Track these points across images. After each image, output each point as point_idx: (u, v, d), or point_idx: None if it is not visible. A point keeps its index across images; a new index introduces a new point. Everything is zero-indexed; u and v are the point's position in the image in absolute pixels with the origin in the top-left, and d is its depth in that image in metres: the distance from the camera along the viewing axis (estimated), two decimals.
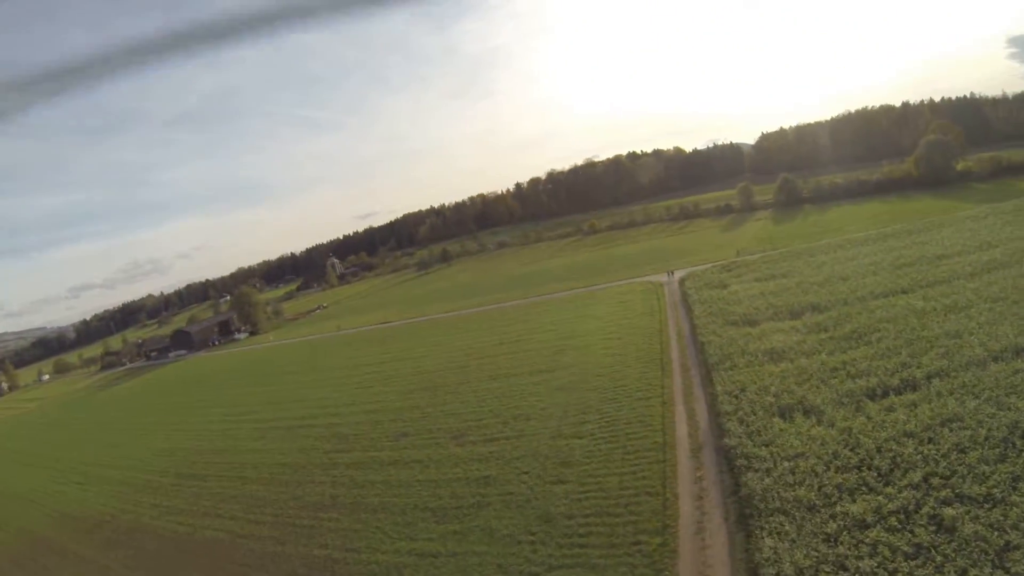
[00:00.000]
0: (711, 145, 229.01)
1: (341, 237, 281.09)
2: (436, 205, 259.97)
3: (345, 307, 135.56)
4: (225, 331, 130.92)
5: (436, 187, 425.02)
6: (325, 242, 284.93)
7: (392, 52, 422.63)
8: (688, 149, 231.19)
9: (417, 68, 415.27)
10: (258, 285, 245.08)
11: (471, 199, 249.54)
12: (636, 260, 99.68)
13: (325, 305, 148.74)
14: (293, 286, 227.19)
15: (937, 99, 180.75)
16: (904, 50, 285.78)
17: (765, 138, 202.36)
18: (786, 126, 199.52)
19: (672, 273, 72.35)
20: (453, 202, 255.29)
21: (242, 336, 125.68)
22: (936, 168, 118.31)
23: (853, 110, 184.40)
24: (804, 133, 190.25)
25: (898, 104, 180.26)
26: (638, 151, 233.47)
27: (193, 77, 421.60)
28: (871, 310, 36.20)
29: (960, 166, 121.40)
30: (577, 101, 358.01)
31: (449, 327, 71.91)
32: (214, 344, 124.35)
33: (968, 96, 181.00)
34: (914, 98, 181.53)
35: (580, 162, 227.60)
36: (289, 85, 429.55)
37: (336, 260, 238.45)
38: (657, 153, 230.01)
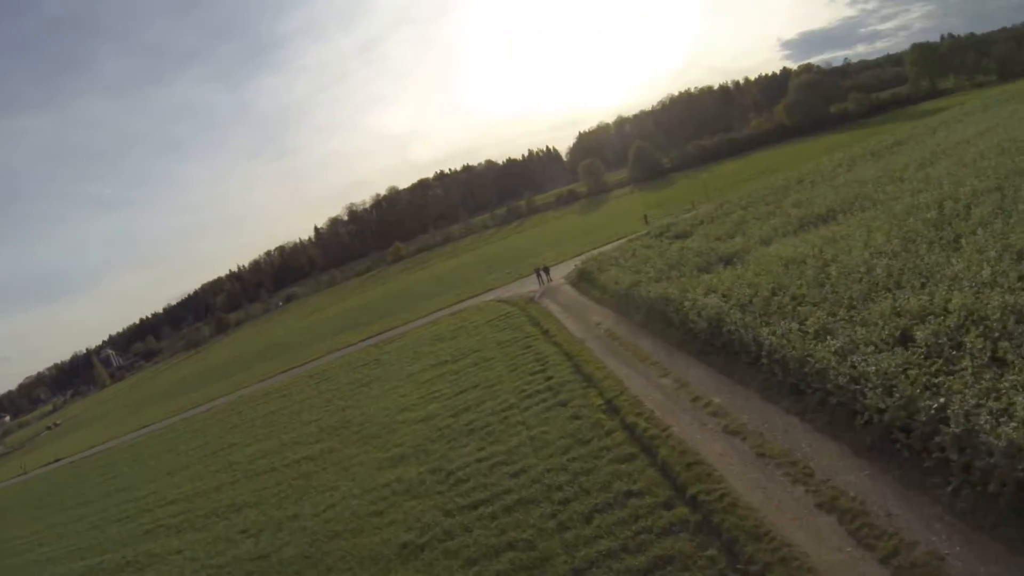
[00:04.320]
0: (525, 154, 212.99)
1: (137, 322, 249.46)
2: (234, 269, 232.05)
3: (84, 419, 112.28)
4: None
5: (249, 252, 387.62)
6: (116, 332, 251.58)
7: (181, 117, 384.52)
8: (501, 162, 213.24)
9: (210, 132, 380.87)
10: (44, 396, 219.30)
11: (267, 254, 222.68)
12: (462, 275, 66.83)
13: (58, 423, 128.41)
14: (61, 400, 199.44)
15: (754, 77, 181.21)
16: (692, 47, 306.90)
17: (584, 136, 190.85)
18: (605, 122, 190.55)
19: (547, 272, 38.50)
20: (249, 262, 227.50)
21: None
22: (812, 111, 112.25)
23: (676, 94, 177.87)
24: (625, 124, 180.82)
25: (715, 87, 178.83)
26: (446, 170, 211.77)
27: None
28: None
29: (833, 108, 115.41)
30: (375, 144, 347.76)
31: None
32: None
33: (779, 72, 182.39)
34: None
35: (383, 192, 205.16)
36: (71, 160, 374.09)
37: (111, 352, 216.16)
38: (468, 169, 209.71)
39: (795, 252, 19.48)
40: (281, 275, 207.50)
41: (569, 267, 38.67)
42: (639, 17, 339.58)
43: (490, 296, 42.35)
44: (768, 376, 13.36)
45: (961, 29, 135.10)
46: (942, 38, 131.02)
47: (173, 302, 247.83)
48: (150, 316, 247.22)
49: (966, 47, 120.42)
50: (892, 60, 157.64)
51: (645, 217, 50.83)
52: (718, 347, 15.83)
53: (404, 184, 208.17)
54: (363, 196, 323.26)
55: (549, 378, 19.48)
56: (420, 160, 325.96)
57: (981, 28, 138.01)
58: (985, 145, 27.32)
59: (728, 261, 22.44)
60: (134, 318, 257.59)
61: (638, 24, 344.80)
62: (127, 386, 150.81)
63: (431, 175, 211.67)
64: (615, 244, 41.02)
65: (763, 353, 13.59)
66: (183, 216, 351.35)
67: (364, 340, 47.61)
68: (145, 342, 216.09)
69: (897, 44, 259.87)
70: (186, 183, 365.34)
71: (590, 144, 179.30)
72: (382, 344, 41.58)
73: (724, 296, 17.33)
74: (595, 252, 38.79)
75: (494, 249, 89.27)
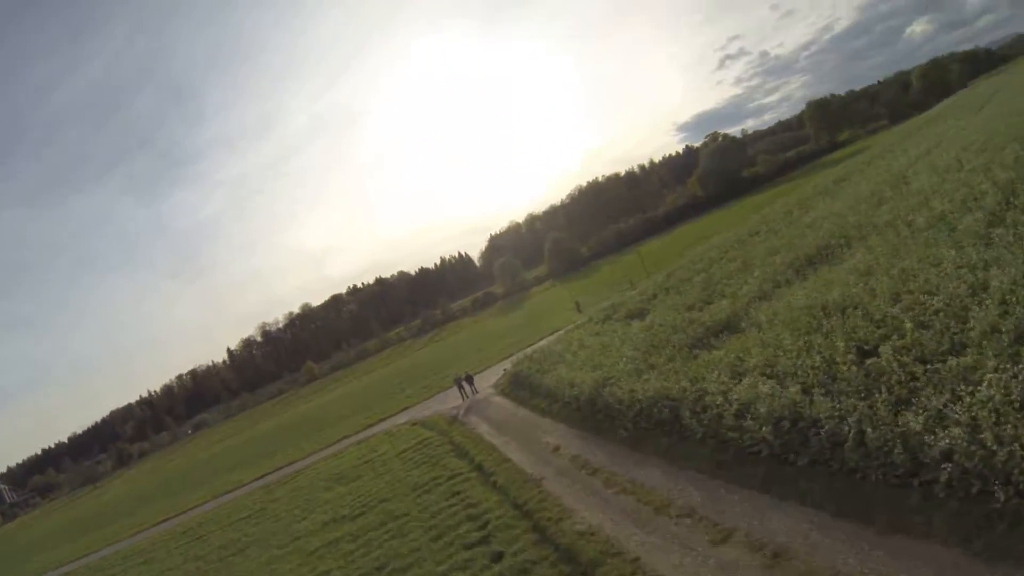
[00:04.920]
0: (438, 262, 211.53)
1: (38, 452, 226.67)
2: (144, 394, 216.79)
3: None
4: None
5: (161, 377, 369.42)
6: (15, 464, 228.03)
7: (94, 232, 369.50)
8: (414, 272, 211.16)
9: (124, 247, 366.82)
10: None
11: (180, 378, 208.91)
12: (376, 392, 59.21)
13: None
14: None
15: (657, 159, 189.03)
16: (593, 140, 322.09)
17: (496, 238, 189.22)
18: (515, 221, 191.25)
19: (470, 381, 31.09)
20: (161, 387, 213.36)
21: None
22: (726, 177, 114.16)
23: (584, 185, 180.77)
24: (536, 221, 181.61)
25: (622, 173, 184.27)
26: (359, 284, 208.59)
27: None
28: None
29: (746, 172, 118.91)
30: (291, 261, 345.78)
31: None
32: None
33: (683, 151, 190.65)
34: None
35: (297, 310, 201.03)
36: None
37: (4, 488, 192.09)
38: (381, 282, 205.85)
39: (828, 298, 13.29)
40: (193, 400, 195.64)
41: (498, 372, 31.92)
42: (540, 117, 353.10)
43: (405, 417, 35.11)
44: (967, 515, 6.49)
45: (838, 91, 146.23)
46: (810, 104, 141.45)
47: (79, 431, 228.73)
48: (52, 446, 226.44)
49: (857, 99, 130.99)
50: (784, 127, 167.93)
51: (577, 304, 44.80)
52: (806, 468, 8.76)
53: (319, 300, 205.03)
54: (277, 314, 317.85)
55: (499, 556, 11.67)
56: (335, 275, 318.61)
57: (856, 87, 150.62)
58: (951, 155, 25.02)
59: (731, 328, 15.84)
60: (36, 448, 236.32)
61: (539, 124, 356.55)
62: (12, 529, 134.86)
63: (344, 290, 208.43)
64: (549, 339, 34.51)
65: (945, 470, 6.73)
66: (91, 338, 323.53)
67: (257, 479, 40.18)
68: (44, 475, 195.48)
69: (782, 113, 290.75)
70: (97, 302, 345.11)
71: (503, 245, 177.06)
72: (274, 486, 33.77)
73: (768, 375, 10.56)
74: (528, 350, 31.86)
75: (410, 361, 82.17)
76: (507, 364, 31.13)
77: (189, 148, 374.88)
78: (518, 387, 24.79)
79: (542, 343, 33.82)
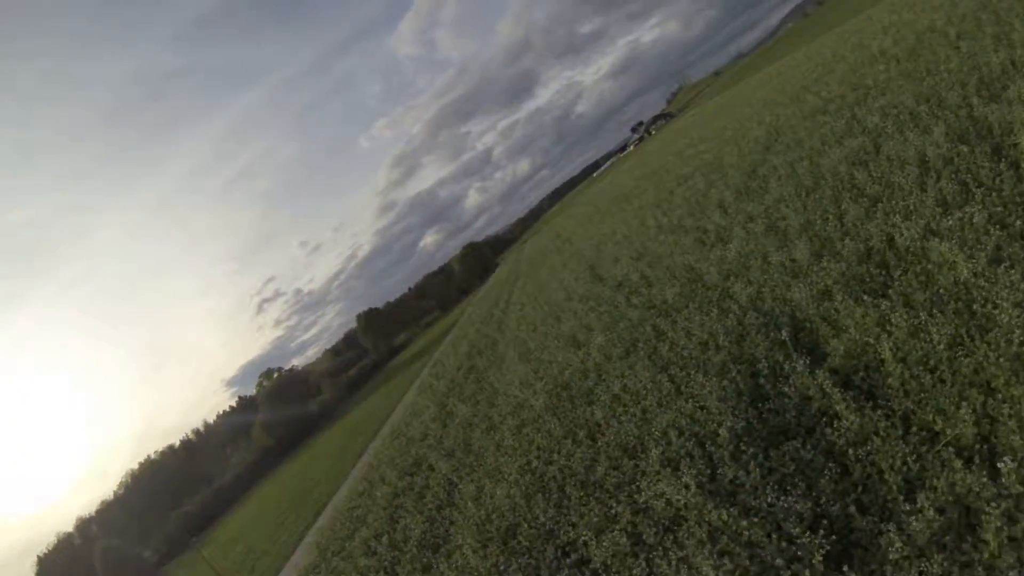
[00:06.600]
0: None
1: None
2: None
3: None
4: None
5: None
6: None
7: None
8: None
9: None
10: None
11: None
12: None
13: None
14: None
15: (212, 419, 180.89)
16: (139, 418, 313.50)
17: (46, 560, 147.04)
18: (65, 532, 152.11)
19: None
20: None
21: None
22: (293, 416, 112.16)
23: (136, 467, 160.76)
24: (91, 525, 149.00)
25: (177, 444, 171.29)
26: None
27: None
28: None
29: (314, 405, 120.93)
30: None
31: None
32: None
33: (238, 401, 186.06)
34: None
35: None
36: None
37: None
38: None
39: None
40: None
41: None
42: (70, 406, 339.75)
43: None
44: None
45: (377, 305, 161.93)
46: (360, 316, 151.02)
47: None
48: None
49: (404, 300, 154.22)
50: (331, 353, 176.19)
51: None
52: None
53: None
54: None
55: None
56: None
57: (392, 298, 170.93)
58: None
59: None
60: None
61: (72, 414, 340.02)
62: None
63: None
64: None
65: None
66: None
67: None
68: None
69: (325, 343, 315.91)
70: None
71: (55, 569, 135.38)
72: None
73: None
74: None
75: None
76: None
77: None
78: None
79: None
